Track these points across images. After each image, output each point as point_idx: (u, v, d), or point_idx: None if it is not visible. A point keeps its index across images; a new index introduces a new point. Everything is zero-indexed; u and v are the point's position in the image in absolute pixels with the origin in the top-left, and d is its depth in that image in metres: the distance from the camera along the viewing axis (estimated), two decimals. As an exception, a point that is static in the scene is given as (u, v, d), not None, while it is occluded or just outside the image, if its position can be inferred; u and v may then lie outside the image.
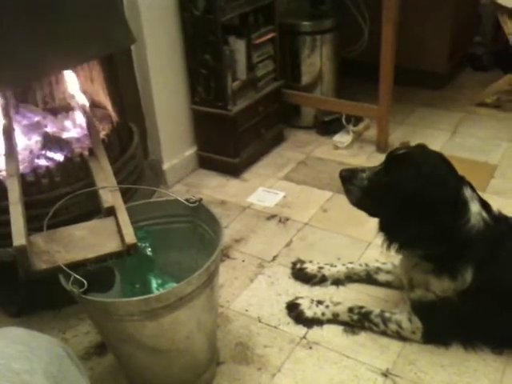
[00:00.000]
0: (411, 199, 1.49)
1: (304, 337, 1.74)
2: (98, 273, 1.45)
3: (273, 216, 2.36)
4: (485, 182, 2.49)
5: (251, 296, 1.92)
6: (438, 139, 2.88)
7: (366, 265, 1.93)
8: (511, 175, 2.53)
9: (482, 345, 1.65)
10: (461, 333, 1.65)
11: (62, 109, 2.12)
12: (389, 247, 1.61)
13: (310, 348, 1.70)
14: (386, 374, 1.59)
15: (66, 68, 1.86)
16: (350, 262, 1.96)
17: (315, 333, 1.75)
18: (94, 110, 2.04)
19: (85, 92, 2.06)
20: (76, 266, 1.37)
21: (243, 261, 2.10)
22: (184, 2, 2.37)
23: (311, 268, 1.96)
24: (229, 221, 2.33)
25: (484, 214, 1.54)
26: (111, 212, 1.54)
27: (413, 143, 2.80)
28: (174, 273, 1.61)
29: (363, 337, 1.72)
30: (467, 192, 1.53)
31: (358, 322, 1.73)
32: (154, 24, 2.32)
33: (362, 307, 1.74)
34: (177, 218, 1.66)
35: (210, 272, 1.39)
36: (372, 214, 1.67)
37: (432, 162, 1.55)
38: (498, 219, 1.59)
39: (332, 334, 1.74)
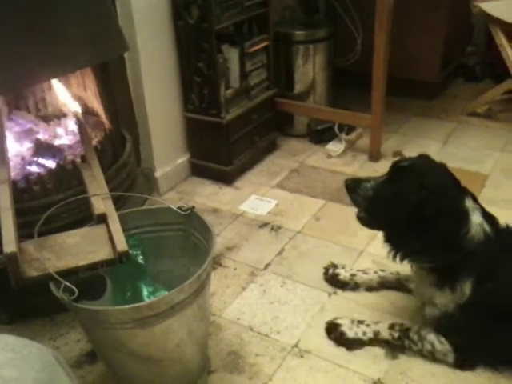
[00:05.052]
0: (414, 211, 1.50)
1: (296, 345, 1.73)
2: (90, 280, 1.44)
3: (265, 224, 2.36)
4: (476, 191, 2.47)
5: (243, 304, 1.92)
6: (430, 149, 2.90)
7: (398, 273, 1.92)
8: (503, 185, 2.55)
9: (498, 365, 1.62)
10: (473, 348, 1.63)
11: (54, 116, 2.11)
12: (394, 257, 1.61)
13: (302, 357, 1.69)
14: (377, 384, 1.59)
15: (58, 75, 1.85)
16: (382, 270, 1.95)
17: (307, 341, 1.75)
18: (86, 117, 2.04)
19: (77, 99, 2.06)
20: (67, 273, 1.36)
21: (235, 269, 2.10)
22: (178, 10, 2.38)
23: (344, 275, 1.95)
24: (221, 229, 2.33)
25: (485, 226, 1.54)
26: (103, 219, 1.54)
27: (405, 152, 2.84)
28: (166, 281, 1.61)
29: (355, 346, 1.73)
30: (469, 203, 1.54)
31: (398, 339, 1.67)
32: (148, 32, 2.32)
33: (401, 324, 1.70)
34: (169, 226, 1.65)
35: (202, 280, 1.38)
36: (378, 227, 1.68)
37: (435, 174, 1.57)
38: (502, 232, 1.59)
39: (323, 342, 1.74)
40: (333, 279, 1.97)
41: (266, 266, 2.10)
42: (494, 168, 2.69)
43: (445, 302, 1.58)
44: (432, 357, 1.64)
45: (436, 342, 1.62)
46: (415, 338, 1.65)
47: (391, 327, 1.69)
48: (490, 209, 2.31)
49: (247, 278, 2.04)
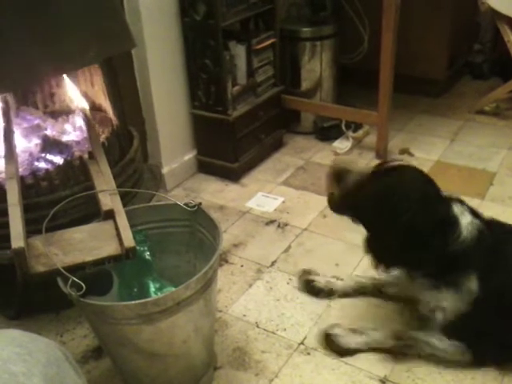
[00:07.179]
0: (400, 224, 1.47)
1: (302, 343, 1.73)
2: (96, 276, 1.45)
3: (272, 221, 2.36)
4: (483, 189, 2.49)
5: (249, 301, 1.92)
6: (436, 146, 2.89)
7: (374, 278, 1.89)
8: (510, 183, 2.54)
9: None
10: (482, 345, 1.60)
11: (62, 112, 2.12)
12: (377, 267, 1.58)
13: (308, 354, 1.69)
14: (383, 381, 1.59)
15: (65, 72, 1.85)
16: (358, 276, 1.92)
17: (313, 339, 1.74)
18: (93, 114, 2.04)
19: (85, 95, 2.06)
20: (74, 269, 1.37)
21: (242, 266, 2.10)
22: (185, 6, 2.38)
23: (318, 281, 1.91)
24: (227, 225, 2.33)
25: (476, 221, 1.53)
26: (110, 215, 1.54)
27: (412, 150, 2.83)
28: (172, 277, 1.61)
29: (361, 343, 1.72)
30: (456, 208, 1.52)
31: (403, 347, 1.64)
32: (155, 28, 2.32)
33: (402, 331, 1.67)
34: (176, 222, 1.66)
35: (208, 277, 1.39)
36: (353, 219, 1.64)
37: (417, 185, 1.54)
38: (491, 224, 1.59)
39: (330, 339, 1.74)
40: (307, 286, 1.92)
41: (273, 263, 2.10)
42: (501, 166, 2.68)
43: (453, 302, 1.54)
44: (445, 359, 1.61)
45: (443, 342, 1.59)
46: (420, 343, 1.62)
47: (393, 336, 1.65)
48: (497, 207, 2.33)
49: (253, 275, 2.04)
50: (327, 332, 1.71)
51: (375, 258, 1.58)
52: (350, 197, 1.58)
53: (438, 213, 1.49)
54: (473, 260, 1.51)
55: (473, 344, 1.58)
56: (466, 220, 1.51)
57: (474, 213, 1.58)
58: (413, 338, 1.64)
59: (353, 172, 1.60)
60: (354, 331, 1.69)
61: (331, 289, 1.90)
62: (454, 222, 1.50)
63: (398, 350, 1.65)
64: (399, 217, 1.46)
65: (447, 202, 1.54)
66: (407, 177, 1.57)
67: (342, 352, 1.68)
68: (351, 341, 1.67)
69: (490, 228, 1.56)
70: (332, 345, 1.69)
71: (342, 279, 1.92)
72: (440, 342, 1.60)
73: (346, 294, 1.90)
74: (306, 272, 1.98)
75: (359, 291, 1.90)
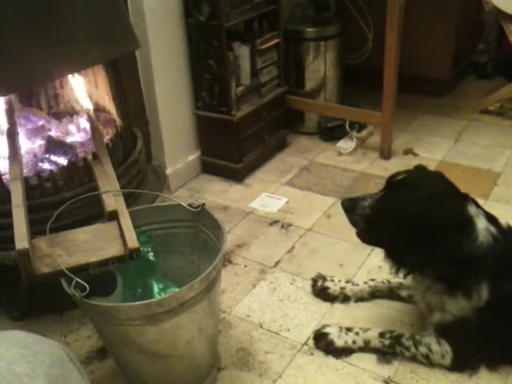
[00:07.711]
0: (415, 224, 1.46)
1: (305, 343, 1.73)
2: (100, 277, 1.45)
3: (275, 222, 2.36)
4: (488, 189, 2.48)
5: (253, 302, 1.92)
6: (441, 146, 2.89)
7: (388, 281, 1.88)
8: (514, 183, 2.53)
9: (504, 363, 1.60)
10: (484, 352, 1.59)
11: (66, 113, 2.12)
12: (397, 272, 1.57)
13: (312, 354, 1.69)
14: (387, 382, 1.58)
15: (69, 72, 1.85)
16: (372, 280, 1.91)
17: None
18: (97, 114, 2.04)
19: (89, 96, 2.07)
20: (78, 269, 1.37)
21: (245, 266, 2.10)
22: (189, 7, 2.38)
23: (333, 289, 1.89)
24: (231, 226, 2.34)
25: (492, 229, 1.50)
26: (114, 216, 1.54)
27: (416, 150, 2.82)
28: (176, 278, 1.62)
29: (365, 344, 1.72)
30: (471, 209, 1.50)
31: (389, 347, 1.64)
32: (159, 29, 2.33)
33: (392, 331, 1.67)
34: (179, 223, 1.66)
35: (212, 277, 1.39)
36: (380, 245, 1.63)
37: (432, 185, 1.53)
38: (506, 232, 1.55)
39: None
40: (322, 293, 1.90)
41: (276, 264, 2.10)
42: (506, 166, 2.67)
43: (459, 308, 1.53)
44: (427, 360, 1.61)
45: (433, 343, 1.60)
46: (408, 343, 1.62)
47: (381, 335, 1.66)
48: (501, 207, 2.32)
49: (257, 276, 2.04)
50: (319, 331, 1.73)
51: (394, 263, 1.57)
52: (371, 221, 1.57)
53: (451, 210, 1.47)
54: (487, 267, 1.49)
55: (461, 348, 1.58)
56: (482, 224, 1.49)
57: (490, 218, 1.55)
58: (395, 335, 1.65)
59: (364, 197, 1.60)
60: (348, 330, 1.70)
61: (346, 295, 1.89)
62: (469, 222, 1.48)
63: (386, 351, 1.66)
64: (412, 214, 1.45)
65: (462, 200, 1.52)
66: (418, 177, 1.57)
67: (330, 351, 1.68)
68: (340, 340, 1.68)
69: (506, 236, 1.53)
70: (322, 343, 1.70)
71: (356, 284, 1.90)
72: (425, 339, 1.62)
73: (360, 299, 1.89)
74: (320, 276, 1.96)
75: (374, 295, 1.89)
